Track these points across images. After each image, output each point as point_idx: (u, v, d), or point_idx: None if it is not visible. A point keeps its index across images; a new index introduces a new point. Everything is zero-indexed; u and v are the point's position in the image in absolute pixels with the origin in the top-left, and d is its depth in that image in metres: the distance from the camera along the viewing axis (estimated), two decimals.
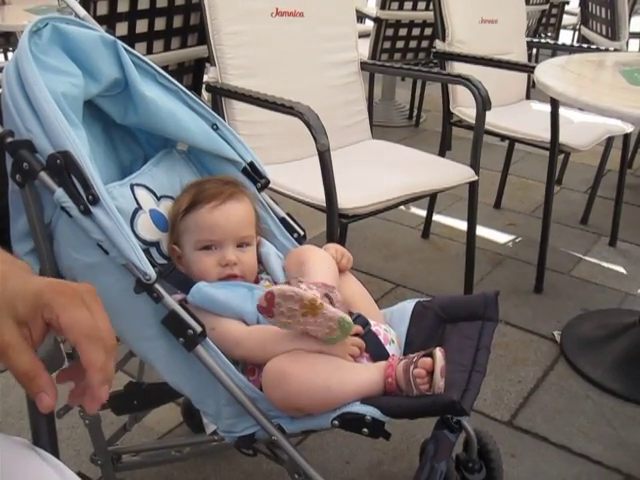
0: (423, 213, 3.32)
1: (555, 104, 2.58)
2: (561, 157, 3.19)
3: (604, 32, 3.55)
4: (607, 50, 3.02)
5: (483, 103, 2.33)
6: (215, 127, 1.55)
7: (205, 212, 1.39)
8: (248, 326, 1.34)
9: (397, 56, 4.26)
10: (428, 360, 1.20)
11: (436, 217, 3.35)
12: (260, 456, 1.84)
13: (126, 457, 1.63)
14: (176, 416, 2.01)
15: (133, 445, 1.78)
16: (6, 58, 4.77)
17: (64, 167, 1.22)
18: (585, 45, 3.28)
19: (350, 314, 1.37)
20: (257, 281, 1.44)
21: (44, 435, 1.06)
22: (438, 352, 1.21)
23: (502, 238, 3.35)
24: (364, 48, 3.95)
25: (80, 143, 1.25)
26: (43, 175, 1.23)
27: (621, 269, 3.09)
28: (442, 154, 2.96)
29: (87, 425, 1.53)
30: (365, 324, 1.36)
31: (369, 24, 4.69)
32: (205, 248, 1.39)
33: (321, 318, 1.21)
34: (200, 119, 1.54)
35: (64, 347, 1.37)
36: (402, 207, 3.47)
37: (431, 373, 1.20)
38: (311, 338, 1.27)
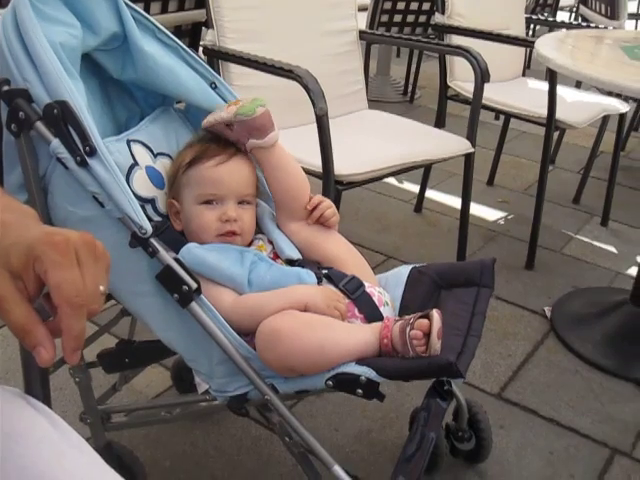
0: (416, 187, 3.31)
1: (553, 78, 2.56)
2: (555, 136, 3.19)
3: (603, 11, 3.54)
4: (606, 28, 3.00)
5: (482, 75, 2.31)
6: (214, 86, 1.53)
7: (209, 166, 1.38)
8: (235, 295, 1.32)
9: (394, 30, 4.21)
10: (425, 321, 1.19)
11: (429, 192, 3.33)
12: (249, 422, 1.85)
13: (115, 417, 1.62)
14: (165, 379, 2.00)
15: (123, 404, 1.77)
16: None
17: (61, 117, 1.20)
18: (584, 23, 3.26)
19: (344, 276, 1.37)
20: (250, 242, 1.43)
21: (37, 385, 1.04)
22: (435, 314, 1.19)
23: (494, 215, 3.35)
24: (362, 22, 3.91)
25: (78, 94, 1.23)
26: (39, 125, 1.22)
27: (612, 248, 3.10)
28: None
29: (77, 383, 1.51)
30: (359, 286, 1.36)
31: None
32: (206, 203, 1.38)
33: (239, 103, 1.44)
34: (199, 77, 1.52)
35: None
36: (395, 181, 3.49)
37: (428, 335, 1.19)
38: (295, 294, 1.28)
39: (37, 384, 1.05)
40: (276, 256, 1.42)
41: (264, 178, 1.51)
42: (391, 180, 3.46)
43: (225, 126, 1.42)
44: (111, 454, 1.60)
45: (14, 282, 0.71)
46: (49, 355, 0.71)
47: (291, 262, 1.41)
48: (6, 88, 1.22)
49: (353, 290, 1.35)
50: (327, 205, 1.47)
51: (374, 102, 2.83)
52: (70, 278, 0.71)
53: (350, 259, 1.45)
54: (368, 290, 1.36)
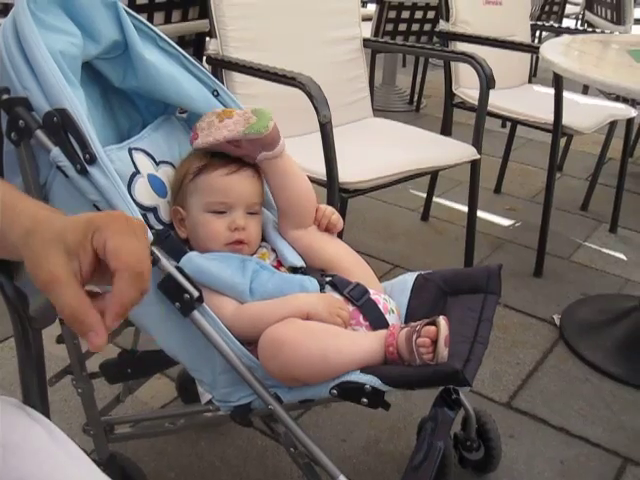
0: (423, 196, 3.30)
1: (559, 83, 2.54)
2: (562, 143, 3.17)
3: (609, 16, 3.52)
4: (612, 34, 2.99)
5: (487, 81, 2.29)
6: (216, 93, 1.52)
7: (220, 175, 1.37)
8: (237, 304, 1.31)
9: (399, 39, 4.22)
10: (432, 329, 1.17)
11: (435, 200, 3.32)
12: (255, 432, 1.83)
13: (119, 429, 1.60)
14: (171, 391, 1.99)
15: (126, 415, 1.75)
16: None
17: (61, 125, 1.19)
18: (590, 29, 3.24)
19: (348, 283, 1.35)
20: (254, 252, 1.42)
21: (34, 394, 1.03)
22: (442, 321, 1.17)
23: (502, 222, 3.33)
24: (366, 31, 3.91)
25: (78, 102, 1.22)
26: (39, 133, 1.20)
27: (621, 255, 3.07)
28: None
29: (80, 394, 1.50)
30: (364, 292, 1.34)
31: (371, 8, 4.65)
32: (215, 211, 1.37)
33: (236, 116, 1.38)
34: (201, 85, 1.51)
35: None
36: (401, 189, 3.47)
37: (435, 342, 1.17)
38: (297, 302, 1.27)
39: (35, 394, 1.03)
40: (279, 264, 1.41)
41: (270, 187, 1.49)
42: (397, 189, 3.45)
43: (228, 143, 1.40)
44: (114, 466, 1.59)
45: (70, 263, 0.70)
46: (101, 340, 0.69)
47: (294, 270, 1.39)
48: (6, 96, 1.21)
49: (358, 297, 1.33)
50: (331, 211, 1.47)
51: (380, 111, 2.84)
52: (131, 245, 0.71)
53: (354, 265, 1.44)
54: (373, 297, 1.35)
